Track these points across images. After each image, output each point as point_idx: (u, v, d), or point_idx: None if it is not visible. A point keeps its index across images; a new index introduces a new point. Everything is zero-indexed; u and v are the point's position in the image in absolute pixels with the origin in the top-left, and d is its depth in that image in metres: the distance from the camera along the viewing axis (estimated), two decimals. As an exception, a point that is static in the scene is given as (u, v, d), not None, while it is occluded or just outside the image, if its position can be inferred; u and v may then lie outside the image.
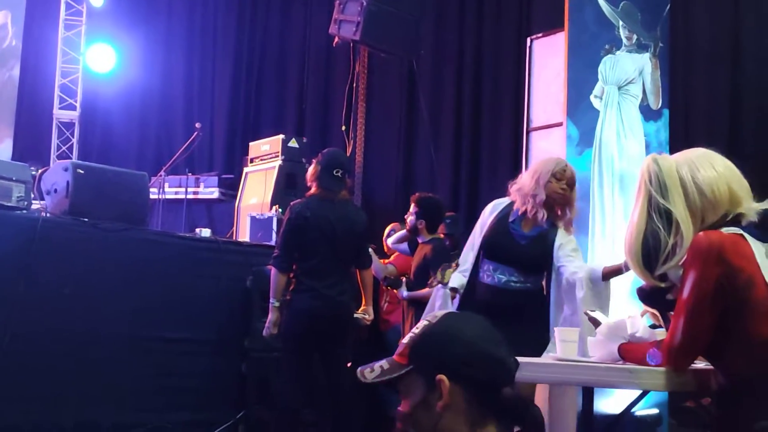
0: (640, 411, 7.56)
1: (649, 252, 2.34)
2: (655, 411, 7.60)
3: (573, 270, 4.32)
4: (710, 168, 2.35)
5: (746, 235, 2.27)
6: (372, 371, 1.90)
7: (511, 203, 4.52)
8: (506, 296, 4.33)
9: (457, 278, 4.41)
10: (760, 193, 2.74)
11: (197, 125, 8.37)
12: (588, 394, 2.50)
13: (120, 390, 5.68)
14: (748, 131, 8.31)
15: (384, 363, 1.90)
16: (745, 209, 2.34)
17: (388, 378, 1.86)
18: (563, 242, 4.45)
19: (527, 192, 4.38)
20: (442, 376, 1.73)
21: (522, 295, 4.37)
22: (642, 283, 2.50)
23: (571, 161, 7.73)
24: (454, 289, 4.33)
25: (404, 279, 6.02)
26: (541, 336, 4.23)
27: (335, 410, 5.12)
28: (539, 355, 3.81)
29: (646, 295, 2.50)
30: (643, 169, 2.41)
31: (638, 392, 2.64)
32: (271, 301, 5.25)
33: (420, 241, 6.08)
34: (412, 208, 6.08)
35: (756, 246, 2.25)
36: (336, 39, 8.04)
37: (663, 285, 2.36)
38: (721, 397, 2.35)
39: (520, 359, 2.84)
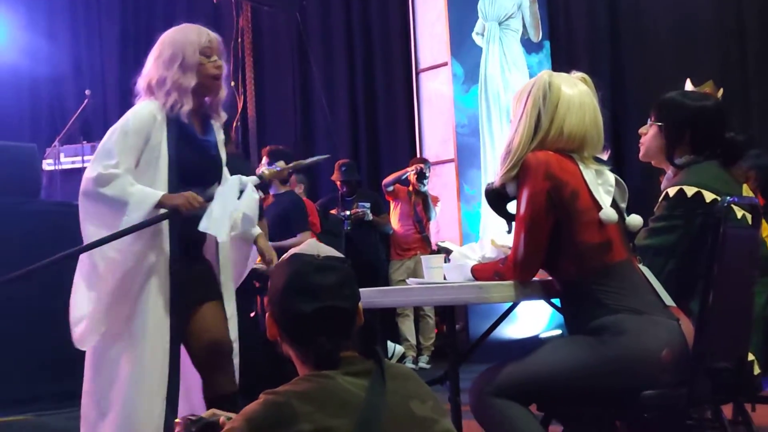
0: (544, 333, 7.91)
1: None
2: (559, 332, 7.95)
3: None
4: (581, 117, 2.50)
5: (575, 156, 2.49)
6: None
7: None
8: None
9: None
10: (642, 113, 2.94)
11: (87, 92, 8.30)
12: (449, 313, 2.68)
13: (23, 363, 5.63)
14: (628, 57, 8.59)
15: None
16: (586, 160, 2.52)
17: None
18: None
19: (176, 82, 3.07)
20: (269, 317, 1.88)
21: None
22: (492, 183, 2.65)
23: (459, 99, 7.97)
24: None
25: None
26: None
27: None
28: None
29: (491, 197, 2.65)
30: (539, 81, 2.55)
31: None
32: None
33: (271, 192, 6.17)
34: (264, 159, 6.14)
35: (584, 167, 2.46)
36: (216, -4, 8.03)
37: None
38: (562, 302, 2.57)
39: (384, 289, 3.01)
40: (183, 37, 3.14)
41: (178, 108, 3.09)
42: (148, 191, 3.01)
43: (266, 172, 3.46)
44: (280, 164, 3.50)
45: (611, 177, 2.53)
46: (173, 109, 3.09)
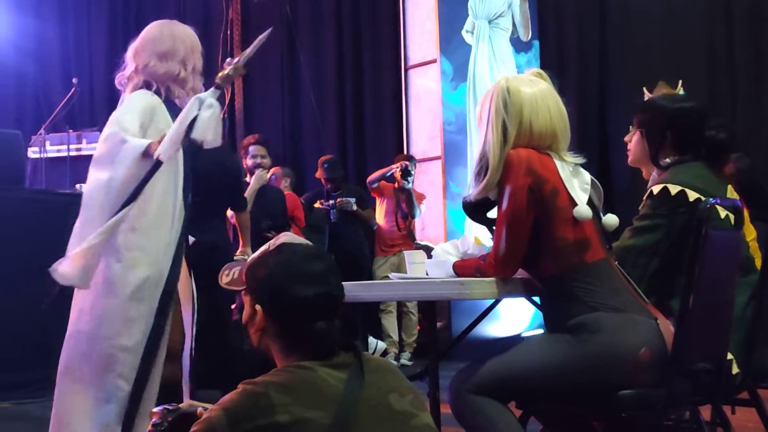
0: (527, 332, 7.91)
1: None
2: (541, 331, 7.92)
3: None
4: (547, 114, 2.52)
5: (552, 154, 2.49)
6: (229, 276, 2.08)
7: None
8: None
9: None
10: (631, 113, 3.03)
11: (74, 80, 8.27)
12: (431, 309, 2.68)
13: (3, 351, 5.62)
14: (616, 58, 8.61)
15: (237, 270, 2.08)
16: (562, 154, 2.55)
17: (233, 289, 2.11)
18: None
19: (188, 83, 3.32)
20: (259, 307, 1.87)
21: None
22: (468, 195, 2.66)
23: (447, 96, 7.98)
24: None
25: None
26: None
27: (223, 349, 5.13)
28: None
29: (470, 209, 2.67)
30: (497, 88, 2.56)
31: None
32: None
33: None
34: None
35: (561, 165, 2.47)
36: (205, -14, 8.02)
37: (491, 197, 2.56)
38: (542, 300, 2.57)
39: (366, 282, 3.01)
40: (191, 41, 3.34)
41: (177, 99, 3.25)
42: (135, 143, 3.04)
43: (220, 74, 3.26)
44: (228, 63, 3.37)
45: (587, 176, 2.55)
46: (170, 98, 3.25)
